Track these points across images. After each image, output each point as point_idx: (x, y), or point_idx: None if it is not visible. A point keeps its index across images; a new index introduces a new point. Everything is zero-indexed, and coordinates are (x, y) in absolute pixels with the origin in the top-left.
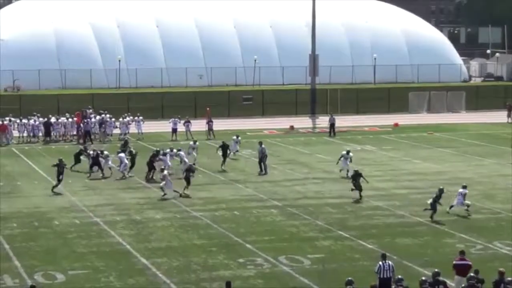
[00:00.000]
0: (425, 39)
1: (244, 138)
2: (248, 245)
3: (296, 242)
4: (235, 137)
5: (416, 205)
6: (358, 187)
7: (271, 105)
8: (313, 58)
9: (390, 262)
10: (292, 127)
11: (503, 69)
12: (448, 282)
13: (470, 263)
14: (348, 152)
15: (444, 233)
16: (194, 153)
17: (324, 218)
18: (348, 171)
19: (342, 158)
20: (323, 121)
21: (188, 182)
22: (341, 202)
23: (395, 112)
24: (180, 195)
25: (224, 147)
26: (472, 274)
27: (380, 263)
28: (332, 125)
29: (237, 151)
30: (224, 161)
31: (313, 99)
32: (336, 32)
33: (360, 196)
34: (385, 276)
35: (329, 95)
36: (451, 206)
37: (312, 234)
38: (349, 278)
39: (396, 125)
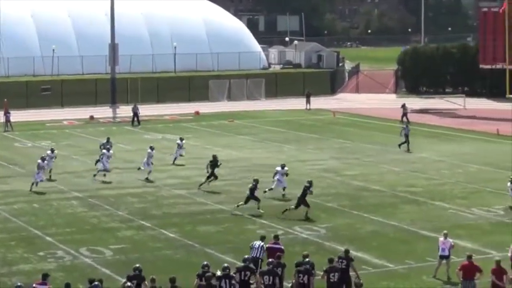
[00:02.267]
0: (224, 28)
1: (43, 129)
2: (48, 238)
3: (98, 233)
4: (179, 141)
5: (217, 193)
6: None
7: (70, 95)
8: (113, 47)
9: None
10: (92, 117)
11: (302, 56)
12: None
13: (282, 247)
14: (181, 139)
15: (246, 219)
16: None
17: (125, 208)
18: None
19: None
20: (123, 111)
21: None
22: (143, 192)
23: (196, 100)
24: None
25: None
26: (271, 259)
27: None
28: (135, 114)
29: (181, 155)
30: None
31: (113, 88)
32: (135, 21)
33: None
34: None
35: (129, 84)
36: (271, 189)
37: (113, 225)
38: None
39: (197, 113)
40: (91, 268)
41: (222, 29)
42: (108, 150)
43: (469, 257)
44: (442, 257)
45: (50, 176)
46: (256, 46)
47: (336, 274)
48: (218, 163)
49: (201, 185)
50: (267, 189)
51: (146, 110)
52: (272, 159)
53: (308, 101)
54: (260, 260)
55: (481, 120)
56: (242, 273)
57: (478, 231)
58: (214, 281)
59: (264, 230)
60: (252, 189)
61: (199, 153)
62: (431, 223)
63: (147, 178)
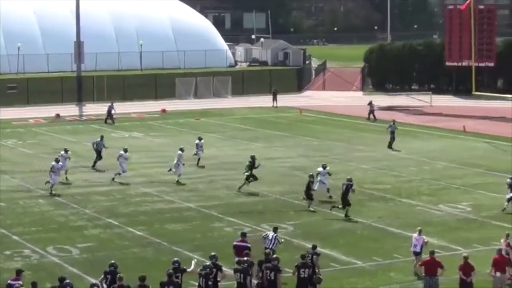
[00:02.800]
0: (190, 25)
1: (9, 128)
2: (15, 237)
3: (65, 231)
4: (198, 141)
5: (185, 191)
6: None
7: (36, 94)
8: (78, 45)
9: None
10: (58, 116)
11: (268, 54)
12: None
13: (249, 245)
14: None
15: (213, 217)
16: None
17: (92, 207)
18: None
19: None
20: (90, 109)
21: None
22: (110, 190)
23: (162, 98)
24: None
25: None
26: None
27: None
28: (109, 112)
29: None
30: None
31: (79, 86)
32: (101, 19)
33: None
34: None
35: (95, 82)
36: (314, 190)
37: (80, 223)
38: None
39: (163, 111)
40: (58, 266)
41: (188, 27)
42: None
43: (432, 253)
44: (414, 253)
45: (66, 178)
46: (223, 44)
47: (307, 270)
48: (256, 165)
49: (240, 187)
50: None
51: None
52: (239, 157)
53: (275, 99)
54: (272, 251)
55: (447, 117)
56: (208, 270)
57: (445, 227)
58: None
59: (231, 228)
60: (309, 185)
61: (165, 151)
62: (399, 220)
63: (178, 181)
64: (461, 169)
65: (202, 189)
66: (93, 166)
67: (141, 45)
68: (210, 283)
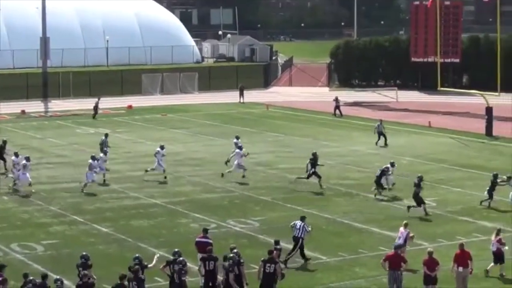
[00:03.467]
0: (157, 21)
1: None
2: None
3: (29, 228)
4: (235, 140)
5: (151, 187)
6: None
7: (1, 90)
8: (44, 41)
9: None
10: (23, 112)
11: (235, 50)
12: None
13: (210, 241)
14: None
15: (179, 213)
16: None
17: (57, 203)
18: None
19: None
20: (55, 105)
21: None
22: (75, 187)
23: (129, 94)
24: None
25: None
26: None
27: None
28: (95, 108)
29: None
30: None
31: (44, 82)
32: (67, 15)
33: None
34: (297, 235)
35: (61, 79)
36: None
37: (45, 220)
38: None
39: (129, 107)
40: (22, 264)
41: (155, 23)
42: (105, 153)
43: (396, 247)
44: (394, 246)
45: (104, 181)
46: (189, 40)
47: (273, 265)
48: (319, 163)
49: (298, 177)
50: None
51: (78, 104)
52: (205, 153)
53: (241, 95)
54: (301, 239)
55: (413, 112)
56: (171, 266)
57: (410, 222)
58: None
59: (197, 224)
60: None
61: (130, 147)
62: (364, 215)
63: (165, 177)
64: (426, 164)
65: (168, 185)
66: None
67: (107, 41)
68: (183, 278)
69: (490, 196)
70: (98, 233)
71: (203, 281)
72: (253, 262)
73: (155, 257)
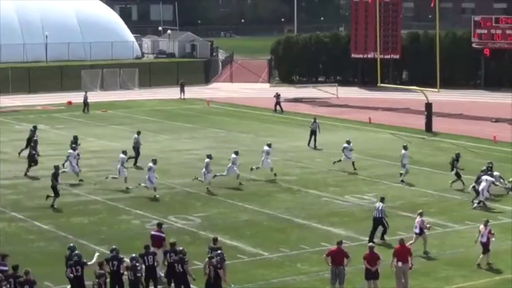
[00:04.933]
0: (97, 17)
1: None
2: None
3: None
4: (266, 148)
5: (92, 184)
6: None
7: None
8: None
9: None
10: None
11: (175, 46)
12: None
13: (163, 235)
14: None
15: (120, 210)
16: None
17: None
18: None
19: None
20: None
21: None
22: (15, 183)
23: (68, 90)
24: None
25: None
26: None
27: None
28: (84, 102)
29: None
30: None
31: None
32: (5, 10)
33: None
34: (377, 216)
35: None
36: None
37: None
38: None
39: (69, 103)
40: None
41: (94, 18)
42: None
43: (339, 243)
44: (416, 234)
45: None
46: (129, 36)
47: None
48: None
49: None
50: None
51: (17, 100)
52: (147, 149)
53: (182, 91)
54: (382, 219)
55: (353, 108)
56: (110, 263)
57: (351, 218)
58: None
59: (138, 220)
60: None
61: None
62: (305, 211)
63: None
64: (367, 160)
65: (109, 182)
66: (135, 164)
67: (46, 36)
68: (138, 274)
69: (458, 176)
70: (39, 230)
71: (163, 272)
72: (195, 258)
73: (95, 255)
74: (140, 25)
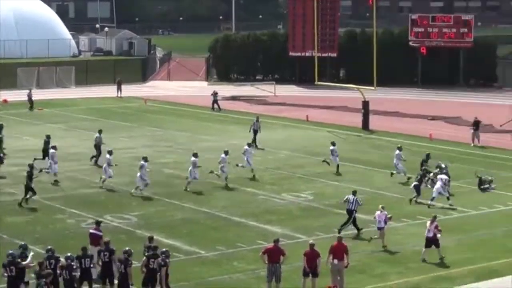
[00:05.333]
0: (33, 14)
1: None
2: None
3: None
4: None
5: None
6: None
7: None
8: None
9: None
10: None
11: (113, 43)
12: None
13: (101, 233)
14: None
15: (55, 209)
16: None
17: None
18: None
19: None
20: None
21: None
22: None
23: (4, 88)
24: None
25: None
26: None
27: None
28: (29, 100)
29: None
30: None
31: None
32: None
33: None
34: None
35: None
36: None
37: None
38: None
39: (5, 101)
40: None
41: (30, 16)
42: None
43: (276, 241)
44: (378, 228)
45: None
46: (66, 33)
47: (156, 261)
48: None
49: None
50: None
51: None
52: (83, 148)
53: (119, 89)
54: (354, 212)
55: (291, 106)
56: (47, 262)
57: (288, 216)
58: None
59: (73, 220)
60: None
61: (7, 142)
62: (242, 209)
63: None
64: (303, 158)
65: (44, 181)
66: (96, 162)
67: None
68: (74, 273)
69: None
70: None
71: (99, 271)
72: (132, 257)
73: (30, 254)
74: (77, 23)
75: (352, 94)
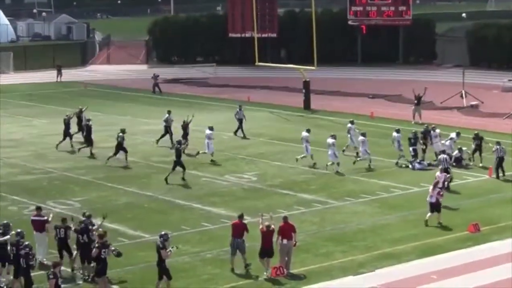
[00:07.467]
0: None
1: None
2: None
3: None
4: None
5: None
6: None
7: None
8: None
9: None
10: None
11: (51, 28)
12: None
13: (44, 219)
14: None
15: None
16: None
17: None
18: None
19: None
20: None
21: None
22: None
23: None
24: None
25: None
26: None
27: None
28: None
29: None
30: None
31: None
32: None
33: None
34: None
35: None
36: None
37: None
38: None
39: None
40: None
41: None
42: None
43: (240, 216)
44: (432, 205)
45: None
46: (3, 19)
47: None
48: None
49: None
50: None
51: None
52: (23, 134)
53: (59, 74)
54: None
55: (232, 88)
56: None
57: (231, 197)
58: None
59: (16, 207)
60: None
61: None
62: (186, 192)
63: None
64: (246, 139)
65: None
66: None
67: None
68: (31, 263)
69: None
70: None
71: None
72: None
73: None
74: (15, 8)
75: (293, 74)
